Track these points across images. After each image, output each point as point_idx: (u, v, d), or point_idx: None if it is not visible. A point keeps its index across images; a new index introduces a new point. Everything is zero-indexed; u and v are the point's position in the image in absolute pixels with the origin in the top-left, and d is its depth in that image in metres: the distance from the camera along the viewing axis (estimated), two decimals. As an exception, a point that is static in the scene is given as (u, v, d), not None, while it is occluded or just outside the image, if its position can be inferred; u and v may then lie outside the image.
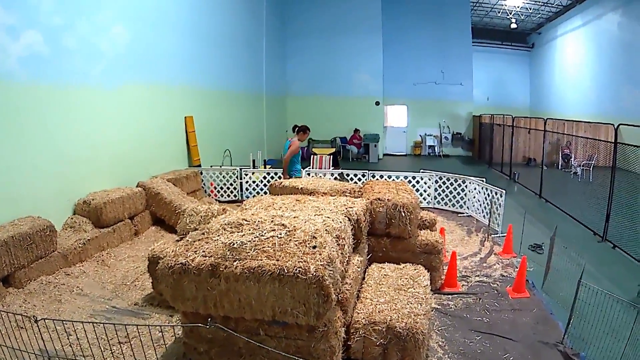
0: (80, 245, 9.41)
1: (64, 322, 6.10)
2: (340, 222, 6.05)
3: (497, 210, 12.00)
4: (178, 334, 6.37)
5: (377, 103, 29.95)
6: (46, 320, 5.49)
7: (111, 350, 6.05)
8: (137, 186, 12.01)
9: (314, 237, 5.17)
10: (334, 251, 5.07)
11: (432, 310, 6.92)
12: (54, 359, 5.40)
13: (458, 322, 7.43)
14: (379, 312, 5.87)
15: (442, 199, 14.66)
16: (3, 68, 8.59)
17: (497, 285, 8.87)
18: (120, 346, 6.21)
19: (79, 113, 10.59)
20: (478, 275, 9.29)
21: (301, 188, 8.99)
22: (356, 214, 6.79)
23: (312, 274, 4.57)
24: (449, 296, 8.34)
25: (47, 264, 8.57)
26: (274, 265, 4.70)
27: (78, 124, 10.57)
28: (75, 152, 10.49)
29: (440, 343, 6.78)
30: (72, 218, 10.22)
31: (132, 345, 6.24)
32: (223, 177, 15.83)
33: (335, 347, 5.17)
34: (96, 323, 6.25)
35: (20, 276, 7.98)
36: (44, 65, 9.56)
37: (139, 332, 6.41)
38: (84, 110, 10.76)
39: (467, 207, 14.07)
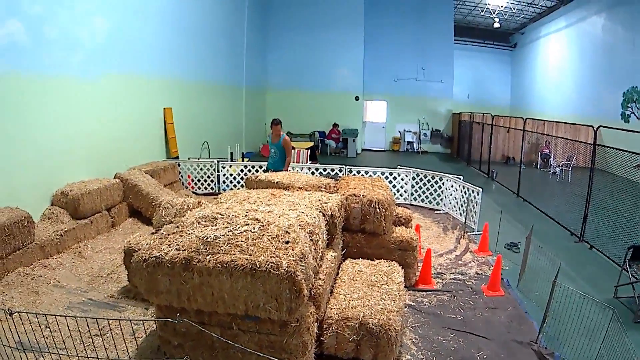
0: (57, 237, 9.36)
1: (39, 314, 6.06)
2: (315, 217, 6.06)
3: (473, 208, 12.07)
4: (153, 327, 6.36)
5: (357, 98, 29.92)
6: (21, 313, 5.48)
7: (86, 343, 6.02)
8: (114, 177, 11.95)
9: (287, 232, 5.19)
10: (306, 247, 5.10)
11: (405, 307, 6.98)
12: (29, 352, 5.39)
13: (432, 320, 7.43)
14: (352, 308, 5.90)
15: (419, 195, 14.71)
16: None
17: (472, 283, 8.91)
18: (95, 339, 6.17)
19: (57, 103, 10.51)
20: (453, 273, 9.32)
21: (277, 182, 8.94)
22: (330, 209, 6.79)
23: (284, 269, 4.60)
24: (423, 293, 8.36)
25: (24, 255, 8.50)
26: (247, 259, 4.72)
27: (56, 115, 10.49)
28: (54, 143, 10.42)
29: (413, 340, 6.78)
30: (49, 209, 10.15)
31: (107, 338, 6.20)
32: (200, 169, 15.81)
33: (307, 343, 5.20)
34: (71, 317, 6.20)
35: (-2, 268, 7.92)
36: (23, 55, 9.47)
37: (112, 326, 6.37)
38: (62, 100, 10.67)
39: (444, 204, 14.11)
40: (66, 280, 8.36)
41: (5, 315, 5.58)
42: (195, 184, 15.89)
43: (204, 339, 5.29)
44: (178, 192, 14.00)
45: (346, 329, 5.68)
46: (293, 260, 4.71)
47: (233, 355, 5.23)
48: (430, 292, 8.41)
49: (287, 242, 4.99)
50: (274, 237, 5.08)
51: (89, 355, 5.51)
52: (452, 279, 9.07)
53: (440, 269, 9.51)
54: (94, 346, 6.02)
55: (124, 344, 6.03)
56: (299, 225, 5.52)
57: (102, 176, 11.67)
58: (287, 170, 12.16)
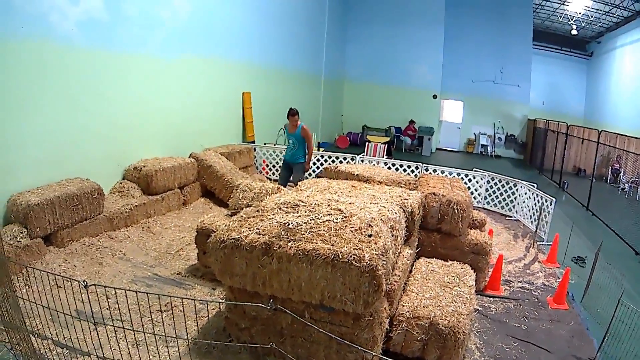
0: (127, 210, 9.55)
1: (115, 289, 6.11)
2: (396, 212, 6.04)
3: (545, 217, 11.80)
4: (219, 308, 6.38)
5: (435, 96, 29.40)
6: (93, 285, 5.51)
7: (148, 317, 6.11)
8: (189, 157, 12.14)
9: (369, 225, 5.17)
10: (388, 242, 5.06)
11: (474, 312, 6.88)
12: (86, 322, 5.41)
13: (497, 326, 7.35)
14: (423, 307, 5.85)
15: (492, 200, 14.45)
16: (61, 31, 8.67)
17: (539, 293, 8.75)
18: (159, 315, 6.24)
19: (135, 80, 10.73)
20: (521, 282, 9.17)
21: (357, 174, 8.99)
22: (411, 206, 6.76)
23: (367, 263, 4.57)
24: (491, 299, 8.26)
25: (91, 226, 8.71)
26: (329, 249, 4.71)
27: (133, 91, 10.71)
28: (129, 119, 10.64)
29: (478, 345, 6.72)
30: (121, 183, 10.38)
31: (171, 315, 6.29)
32: (277, 155, 15.81)
33: (377, 338, 5.17)
34: (152, 294, 6.18)
35: (62, 236, 8.11)
36: (102, 31, 9.64)
37: (176, 303, 6.47)
38: (140, 78, 10.90)
39: (516, 211, 13.83)
40: (132, 253, 8.51)
41: (69, 283, 5.63)
42: (270, 169, 15.99)
43: (273, 325, 5.31)
44: (252, 176, 14.07)
45: (416, 328, 5.63)
46: (375, 254, 4.68)
47: (301, 343, 5.24)
48: (497, 299, 8.30)
49: (370, 236, 4.96)
50: (357, 229, 5.06)
51: (148, 330, 5.55)
52: (519, 287, 8.92)
53: (508, 276, 9.36)
54: (156, 321, 6.10)
55: (188, 322, 6.12)
56: (381, 219, 5.49)
57: (177, 155, 11.89)
58: (309, 163, 12.02)
